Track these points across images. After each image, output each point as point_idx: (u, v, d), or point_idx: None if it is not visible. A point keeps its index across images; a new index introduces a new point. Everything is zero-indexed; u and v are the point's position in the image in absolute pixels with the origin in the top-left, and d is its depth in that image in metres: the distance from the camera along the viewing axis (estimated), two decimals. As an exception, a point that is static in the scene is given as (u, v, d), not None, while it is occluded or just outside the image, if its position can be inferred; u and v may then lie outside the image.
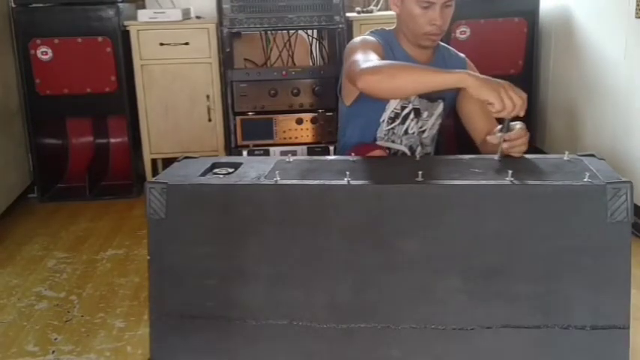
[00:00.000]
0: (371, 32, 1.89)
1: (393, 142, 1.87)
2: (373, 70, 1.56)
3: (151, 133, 3.23)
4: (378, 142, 1.87)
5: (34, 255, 2.53)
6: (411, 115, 1.87)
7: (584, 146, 2.87)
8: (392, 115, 1.86)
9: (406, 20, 1.79)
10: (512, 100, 1.44)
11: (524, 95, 1.46)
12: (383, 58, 1.74)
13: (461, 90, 1.86)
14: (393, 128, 1.86)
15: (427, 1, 1.71)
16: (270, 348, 1.44)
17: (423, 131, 1.90)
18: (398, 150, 1.89)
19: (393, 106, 1.85)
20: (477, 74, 1.53)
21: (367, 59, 1.63)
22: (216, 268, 1.43)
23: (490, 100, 1.45)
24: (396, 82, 1.54)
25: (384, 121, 1.86)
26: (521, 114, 1.48)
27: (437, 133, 1.96)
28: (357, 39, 1.85)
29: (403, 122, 1.86)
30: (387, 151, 1.83)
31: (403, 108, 1.85)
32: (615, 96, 2.65)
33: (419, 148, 1.90)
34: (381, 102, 1.82)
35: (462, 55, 1.95)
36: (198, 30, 3.14)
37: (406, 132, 1.87)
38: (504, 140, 1.54)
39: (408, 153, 1.89)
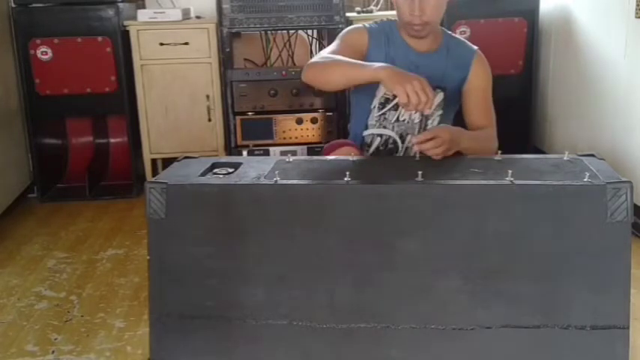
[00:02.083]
0: (374, 22, 1.95)
1: (384, 127, 1.86)
2: (313, 65, 1.77)
3: (151, 133, 3.23)
4: (369, 130, 1.86)
5: (34, 255, 2.53)
6: None
7: (584, 146, 2.86)
8: (382, 101, 1.84)
9: (396, 9, 1.86)
10: (417, 96, 1.52)
11: (431, 94, 1.54)
12: (365, 46, 1.87)
13: (465, 83, 1.88)
14: (384, 114, 1.85)
15: None
16: (270, 348, 1.44)
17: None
18: (389, 136, 1.87)
19: (382, 91, 1.84)
20: (395, 68, 1.61)
21: (320, 54, 1.81)
22: (216, 268, 1.43)
23: (396, 93, 1.56)
24: (326, 75, 1.75)
25: (374, 107, 1.86)
26: (426, 112, 1.61)
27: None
28: (349, 27, 1.97)
29: (396, 109, 1.85)
30: (360, 148, 1.83)
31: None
32: (615, 96, 2.65)
33: (408, 137, 1.88)
34: (369, 88, 1.83)
35: (474, 46, 1.94)
36: (198, 30, 3.14)
37: (398, 119, 1.86)
38: (414, 142, 1.61)
39: (398, 140, 1.87)
